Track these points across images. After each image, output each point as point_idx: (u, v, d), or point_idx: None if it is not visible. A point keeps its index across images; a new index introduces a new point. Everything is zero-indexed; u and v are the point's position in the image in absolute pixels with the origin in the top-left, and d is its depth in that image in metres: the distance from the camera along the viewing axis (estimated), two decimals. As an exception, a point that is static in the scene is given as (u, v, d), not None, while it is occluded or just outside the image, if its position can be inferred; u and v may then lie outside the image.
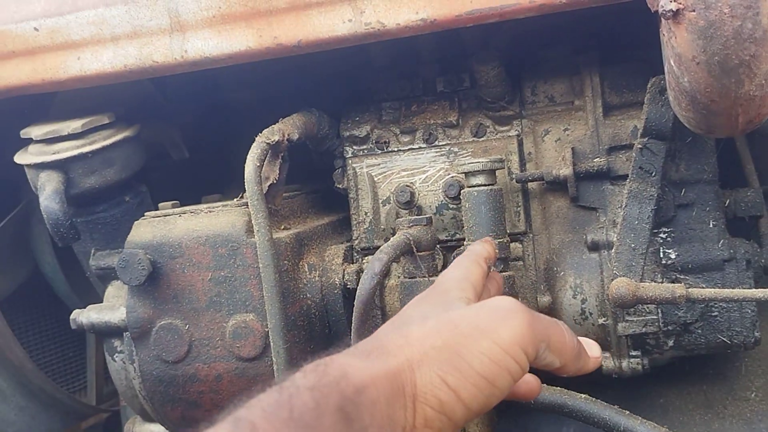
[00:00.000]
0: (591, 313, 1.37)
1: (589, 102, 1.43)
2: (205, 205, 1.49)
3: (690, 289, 1.18)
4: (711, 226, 1.36)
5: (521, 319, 0.81)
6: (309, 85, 1.67)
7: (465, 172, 1.33)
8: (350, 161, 1.55)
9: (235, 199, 1.49)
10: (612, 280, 1.24)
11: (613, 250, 1.29)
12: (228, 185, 1.70)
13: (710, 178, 1.37)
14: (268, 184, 1.43)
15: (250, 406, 0.67)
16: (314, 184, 1.70)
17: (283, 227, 1.50)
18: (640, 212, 1.28)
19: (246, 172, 1.35)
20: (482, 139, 1.49)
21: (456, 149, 1.49)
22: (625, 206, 1.29)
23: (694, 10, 0.92)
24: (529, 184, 1.46)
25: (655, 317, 1.33)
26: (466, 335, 0.79)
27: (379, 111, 1.55)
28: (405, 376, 0.76)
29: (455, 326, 0.80)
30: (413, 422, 0.76)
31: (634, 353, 1.38)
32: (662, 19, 0.98)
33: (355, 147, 1.55)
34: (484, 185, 1.32)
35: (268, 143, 1.38)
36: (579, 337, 0.91)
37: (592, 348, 0.95)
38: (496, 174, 1.36)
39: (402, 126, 1.53)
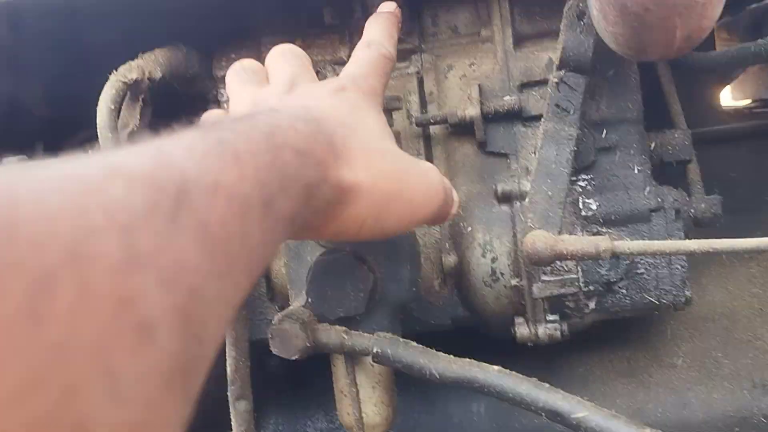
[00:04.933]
0: (502, 274, 1.20)
1: (497, 32, 1.25)
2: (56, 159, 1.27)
3: (616, 242, 1.01)
4: (636, 171, 1.20)
5: (440, 202, 0.91)
6: (179, 22, 1.44)
7: (356, 113, 1.13)
8: (226, 106, 1.34)
9: (89, 152, 1.27)
10: (526, 233, 1.07)
11: (526, 200, 1.11)
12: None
13: (635, 118, 1.20)
14: (127, 131, 1.22)
15: (236, 132, 0.61)
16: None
17: (149, 184, 1.28)
18: (558, 154, 1.10)
19: (98, 117, 1.14)
20: (377, 77, 1.29)
21: (347, 89, 1.29)
22: (541, 148, 1.10)
23: None
24: (431, 127, 1.27)
25: (574, 276, 1.16)
26: (401, 198, 0.85)
27: (258, 47, 1.33)
28: (349, 196, 0.78)
29: (400, 181, 0.86)
30: (321, 227, 0.80)
31: (551, 318, 1.21)
32: None
33: (231, 89, 1.34)
34: (379, 128, 1.13)
35: (124, 82, 1.17)
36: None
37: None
38: (393, 116, 1.17)
39: (286, 64, 1.31)
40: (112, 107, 1.15)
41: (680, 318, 1.44)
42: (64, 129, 1.69)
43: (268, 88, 0.95)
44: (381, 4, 1.12)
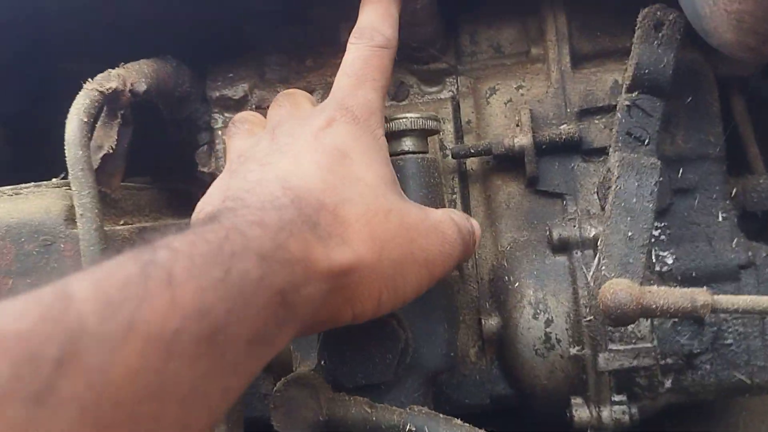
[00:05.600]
0: (559, 340, 0.97)
1: (551, 49, 1.05)
2: (8, 188, 1.04)
3: (716, 297, 0.80)
4: (720, 219, 0.99)
5: (458, 254, 0.83)
6: (168, 34, 1.23)
7: (387, 134, 0.91)
8: (221, 134, 1.12)
9: (54, 179, 1.04)
10: (599, 285, 0.84)
11: (599, 243, 0.89)
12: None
13: (716, 154, 1.01)
14: (102, 154, 1.00)
15: (174, 250, 0.53)
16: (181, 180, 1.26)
17: (123, 222, 1.06)
18: (640, 186, 0.88)
19: (67, 131, 0.93)
20: (403, 103, 1.09)
21: (367, 116, 1.08)
22: (618, 177, 0.89)
23: None
24: (469, 161, 1.06)
25: (649, 345, 0.94)
26: (415, 261, 0.77)
27: (261, 66, 1.12)
28: (353, 277, 0.70)
29: (411, 241, 0.77)
30: (333, 318, 0.74)
31: (617, 398, 0.97)
32: None
33: (227, 114, 1.12)
34: (413, 153, 0.92)
35: (101, 92, 0.96)
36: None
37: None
38: (428, 142, 0.96)
39: (293, 86, 1.09)
40: (85, 120, 0.93)
41: (752, 407, 1.22)
42: (29, 171, 1.48)
43: (252, 139, 0.87)
44: None
